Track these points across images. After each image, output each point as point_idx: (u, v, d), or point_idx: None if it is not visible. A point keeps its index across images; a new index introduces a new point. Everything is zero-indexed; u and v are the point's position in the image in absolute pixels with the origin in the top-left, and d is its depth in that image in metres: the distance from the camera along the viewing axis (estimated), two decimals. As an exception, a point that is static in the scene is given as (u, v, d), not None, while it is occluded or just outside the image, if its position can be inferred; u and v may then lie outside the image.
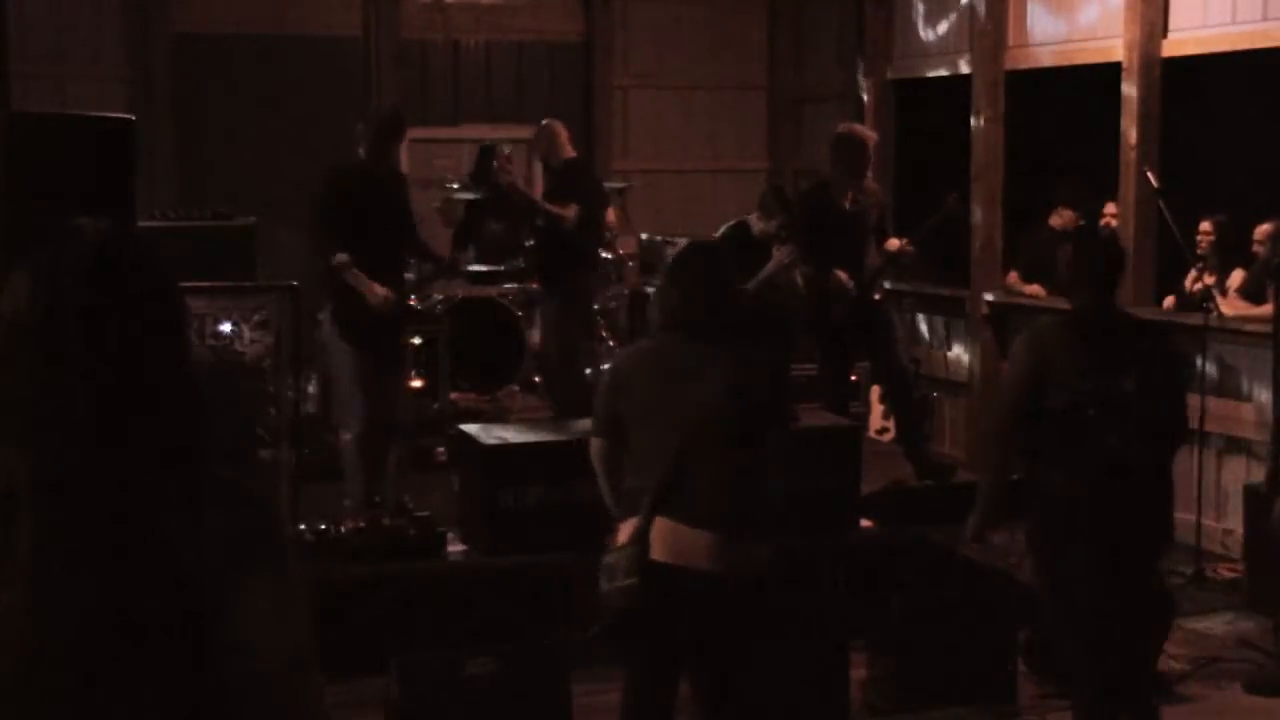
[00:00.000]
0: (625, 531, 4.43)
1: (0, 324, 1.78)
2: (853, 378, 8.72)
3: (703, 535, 4.37)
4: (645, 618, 4.43)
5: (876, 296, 8.22)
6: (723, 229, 8.29)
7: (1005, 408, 5.03)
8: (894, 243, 8.12)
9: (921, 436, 8.29)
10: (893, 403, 8.52)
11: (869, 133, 8.41)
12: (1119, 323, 5.01)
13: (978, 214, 9.70)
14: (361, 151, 7.38)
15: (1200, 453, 7.62)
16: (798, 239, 7.83)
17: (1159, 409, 4.86)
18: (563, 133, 8.88)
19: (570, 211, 8.53)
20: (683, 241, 10.37)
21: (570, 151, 8.86)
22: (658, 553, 4.35)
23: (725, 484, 4.44)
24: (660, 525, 4.37)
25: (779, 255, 7.79)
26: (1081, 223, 9.56)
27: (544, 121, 9.10)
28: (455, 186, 10.11)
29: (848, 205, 7.99)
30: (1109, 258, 5.08)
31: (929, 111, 10.77)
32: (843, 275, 7.87)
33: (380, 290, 7.07)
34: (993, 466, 5.16)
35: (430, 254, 7.89)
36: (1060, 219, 9.63)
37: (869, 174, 8.22)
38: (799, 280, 7.95)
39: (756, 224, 8.01)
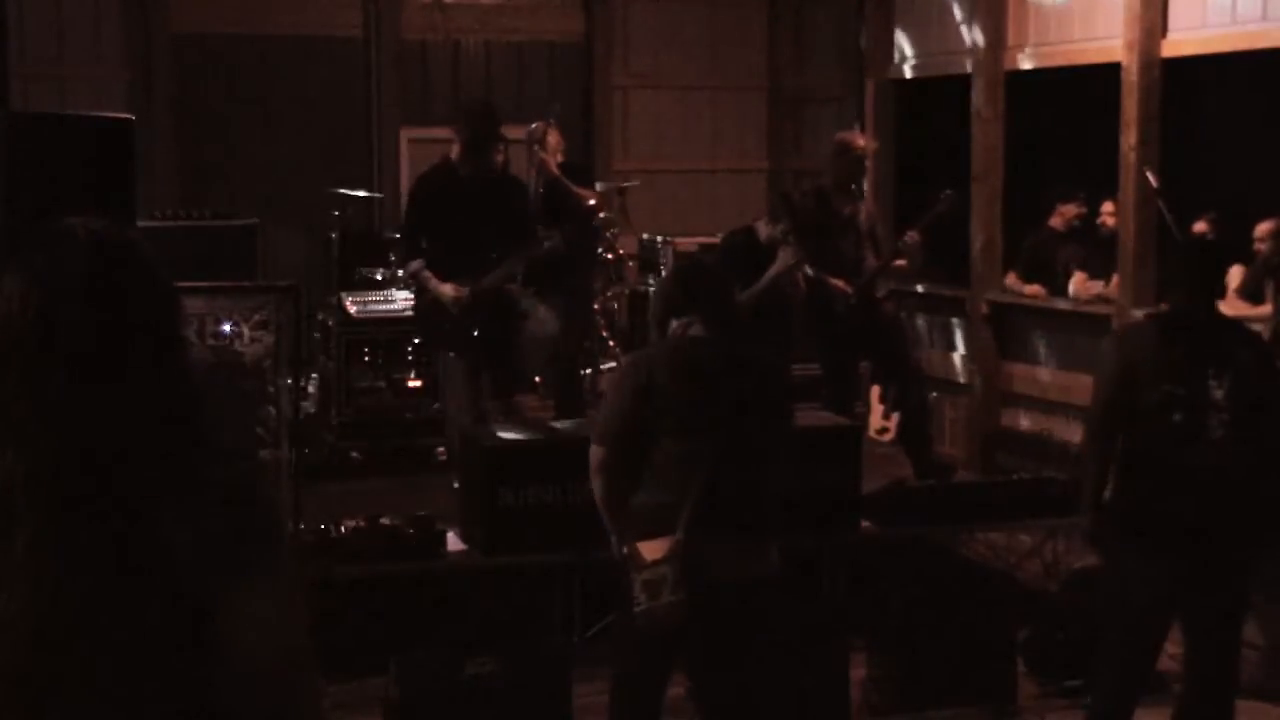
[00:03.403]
0: (656, 548, 4.36)
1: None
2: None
3: (738, 543, 4.39)
4: (682, 631, 4.39)
5: (880, 295, 8.22)
6: (729, 234, 8.29)
7: (1097, 407, 4.90)
8: (913, 235, 8.11)
9: (926, 437, 8.29)
10: (900, 402, 8.46)
11: (868, 142, 8.51)
12: (1213, 325, 4.85)
13: (978, 214, 9.70)
14: (454, 154, 7.45)
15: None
16: (803, 243, 7.84)
17: (1254, 414, 4.73)
18: (552, 139, 8.85)
19: (594, 197, 8.61)
20: (683, 241, 10.44)
21: (554, 169, 8.85)
22: (702, 566, 4.33)
23: (751, 488, 4.46)
24: (702, 538, 4.34)
25: (783, 257, 7.78)
26: (1084, 211, 9.56)
27: (533, 125, 9.06)
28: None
29: (846, 211, 8.07)
30: (1208, 261, 4.98)
31: (929, 111, 10.77)
32: (839, 282, 7.90)
33: (449, 289, 7.24)
34: (1089, 473, 4.92)
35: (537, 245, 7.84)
36: (1060, 218, 9.63)
37: (863, 185, 8.39)
38: (801, 283, 7.95)
39: (764, 229, 8.00)
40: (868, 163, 8.39)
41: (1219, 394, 4.66)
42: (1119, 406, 4.76)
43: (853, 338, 8.07)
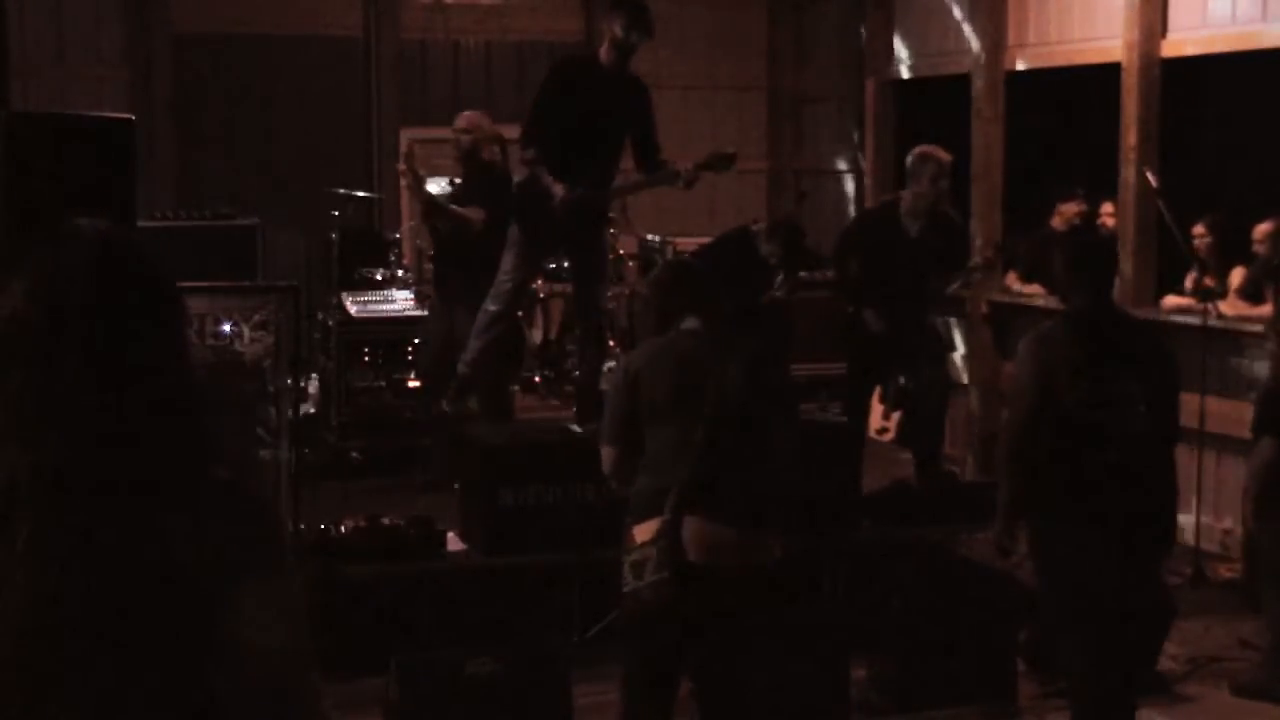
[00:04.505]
0: (647, 530, 4.41)
1: (1, 323, 1.79)
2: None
3: (729, 530, 4.40)
4: (671, 613, 4.42)
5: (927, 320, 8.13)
6: (727, 233, 8.29)
7: (1017, 413, 4.97)
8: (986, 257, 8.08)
9: (935, 448, 8.24)
10: (922, 415, 8.36)
11: (947, 159, 7.94)
12: (1118, 323, 4.99)
13: (978, 214, 9.71)
14: (603, 51, 7.00)
15: (1200, 453, 7.62)
16: (789, 269, 7.85)
17: (1160, 409, 4.86)
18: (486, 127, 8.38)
19: (477, 216, 8.00)
20: (683, 242, 10.44)
21: (493, 154, 8.37)
22: (688, 550, 4.36)
23: (750, 479, 4.47)
24: (687, 520, 4.37)
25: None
26: (1084, 210, 9.56)
27: (467, 113, 8.47)
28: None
29: (914, 233, 7.87)
30: (1106, 257, 5.08)
31: (929, 111, 10.77)
32: (871, 314, 7.83)
33: (559, 189, 6.80)
34: (1008, 473, 5.03)
35: (662, 166, 7.36)
36: (1060, 218, 9.62)
37: (942, 204, 7.96)
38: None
39: (758, 235, 8.02)
40: (945, 182, 7.82)
41: (1133, 388, 4.77)
42: (1040, 411, 4.81)
43: (885, 358, 7.96)
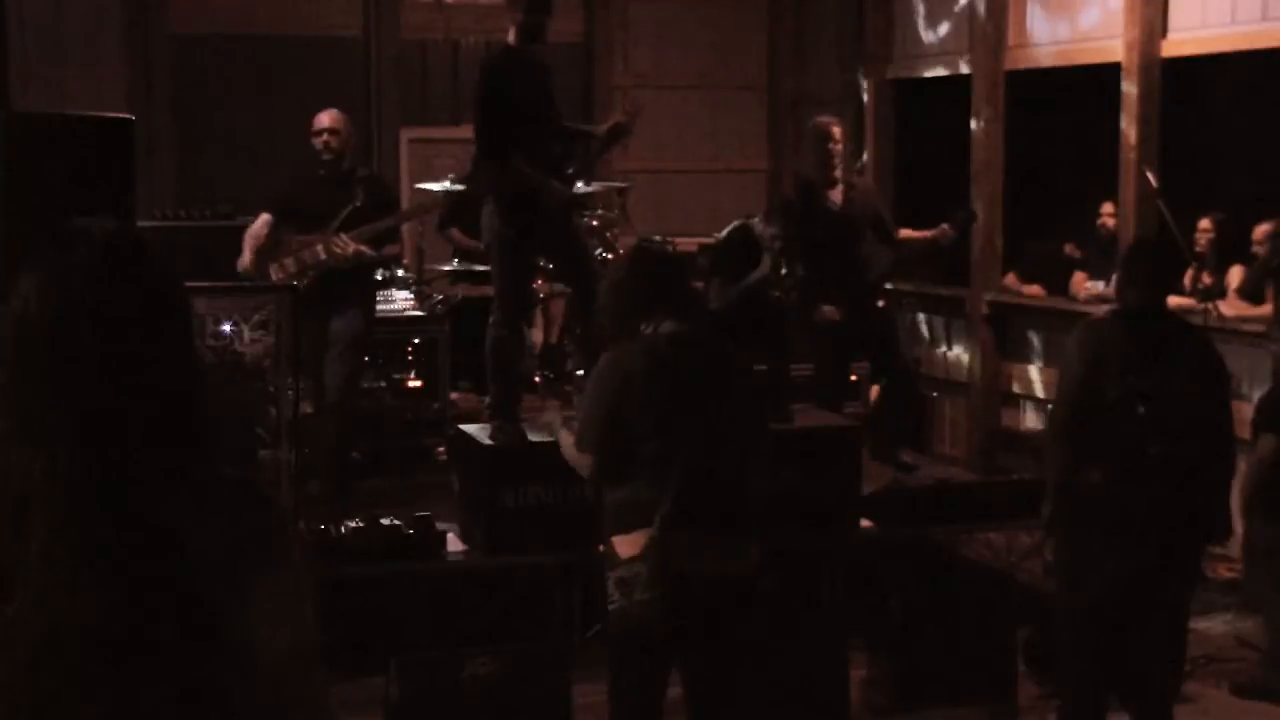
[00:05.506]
0: (631, 544, 4.35)
1: (10, 324, 1.79)
2: (852, 378, 8.71)
3: (716, 539, 4.37)
4: (660, 630, 4.39)
5: (881, 303, 8.23)
6: (727, 229, 8.30)
7: (1063, 403, 5.05)
8: (906, 232, 8.18)
9: (899, 433, 8.32)
10: (891, 401, 8.49)
11: (833, 124, 8.26)
12: (1168, 323, 5.03)
13: (977, 214, 9.70)
14: (511, 37, 6.82)
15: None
16: (793, 252, 7.85)
17: (1204, 413, 4.89)
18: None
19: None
20: (683, 241, 10.44)
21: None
22: (678, 563, 4.31)
23: (728, 485, 4.45)
24: (677, 535, 4.33)
25: (762, 267, 7.76)
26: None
27: (333, 110, 8.19)
28: (452, 185, 10.08)
29: (835, 204, 8.01)
30: (1162, 260, 5.13)
31: (929, 111, 10.76)
32: (829, 307, 7.89)
33: (559, 188, 6.65)
34: (1056, 463, 5.06)
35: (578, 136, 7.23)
36: (1072, 248, 9.69)
37: (838, 170, 8.21)
38: (787, 291, 7.96)
39: (758, 226, 8.03)
40: (833, 145, 8.11)
41: (1177, 386, 4.81)
42: (1085, 399, 4.87)
43: (845, 340, 8.06)
